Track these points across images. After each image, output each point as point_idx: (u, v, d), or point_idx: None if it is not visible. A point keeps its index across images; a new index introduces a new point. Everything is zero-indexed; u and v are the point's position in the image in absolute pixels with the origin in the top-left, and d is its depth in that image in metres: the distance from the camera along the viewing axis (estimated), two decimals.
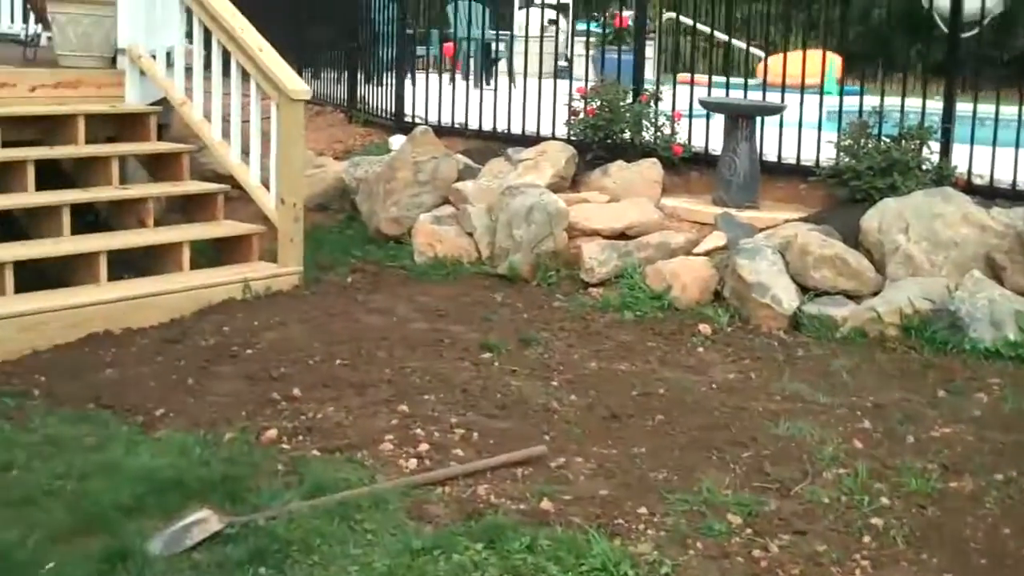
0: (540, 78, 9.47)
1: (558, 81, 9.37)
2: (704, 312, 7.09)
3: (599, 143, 8.59)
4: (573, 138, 8.80)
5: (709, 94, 8.65)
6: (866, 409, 5.78)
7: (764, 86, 8.51)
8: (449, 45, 12.89)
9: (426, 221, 8.02)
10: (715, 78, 9.04)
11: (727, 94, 8.66)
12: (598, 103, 8.59)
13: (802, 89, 8.29)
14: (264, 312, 6.95)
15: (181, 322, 6.85)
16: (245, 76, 7.82)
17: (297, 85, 7.53)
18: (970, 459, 5.23)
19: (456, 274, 7.73)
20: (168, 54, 8.33)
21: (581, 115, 8.74)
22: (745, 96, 8.57)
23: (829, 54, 8.88)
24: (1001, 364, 6.40)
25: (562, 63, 11.76)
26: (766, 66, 8.57)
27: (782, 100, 8.25)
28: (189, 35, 8.26)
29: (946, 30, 8.08)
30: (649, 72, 9.79)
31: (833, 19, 9.56)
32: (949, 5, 7.87)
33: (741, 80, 9.01)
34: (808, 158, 8.22)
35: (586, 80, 9.21)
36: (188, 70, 8.25)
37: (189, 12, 8.04)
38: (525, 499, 4.77)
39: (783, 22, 10.26)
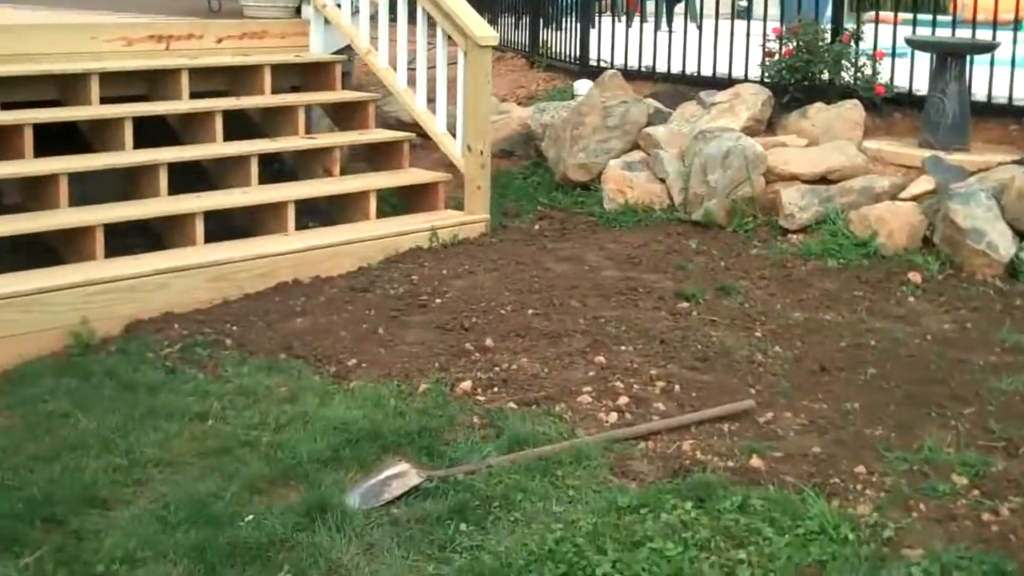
0: (732, 18, 9.13)
1: (742, 22, 9.02)
2: (913, 259, 6.70)
3: (795, 85, 8.20)
4: (767, 80, 8.43)
5: (914, 32, 8.19)
6: None
7: (974, 23, 8.00)
8: None
9: (616, 167, 7.77)
10: (914, 16, 8.56)
11: (933, 32, 8.19)
12: (795, 43, 8.21)
13: (1015, 25, 7.79)
14: (452, 260, 6.80)
15: (369, 271, 6.74)
16: (430, 23, 7.65)
17: (485, 31, 7.33)
18: None
19: (647, 221, 7.46)
20: (352, 2, 8.21)
21: (776, 56, 8.36)
22: (953, 34, 8.08)
23: None
24: None
25: (742, 3, 11.37)
26: (975, 2, 8.05)
27: (994, 37, 7.75)
28: None
29: None
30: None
31: None
32: None
33: (940, 17, 8.50)
34: (1020, 97, 7.73)
35: (782, 20, 8.80)
36: (372, 18, 8.13)
37: None
38: (733, 456, 4.54)
39: None
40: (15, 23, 7.53)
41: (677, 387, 5.14)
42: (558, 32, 10.44)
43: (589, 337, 5.65)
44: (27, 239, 6.22)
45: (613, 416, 4.89)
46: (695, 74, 8.98)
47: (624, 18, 10.33)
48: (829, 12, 9.03)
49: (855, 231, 6.90)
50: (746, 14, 10.21)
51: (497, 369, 5.31)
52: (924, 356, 5.48)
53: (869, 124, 7.96)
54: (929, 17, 8.31)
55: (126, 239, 6.60)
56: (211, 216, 6.70)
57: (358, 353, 5.54)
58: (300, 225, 7.04)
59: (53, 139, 6.72)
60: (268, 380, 5.27)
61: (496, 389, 5.14)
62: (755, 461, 4.48)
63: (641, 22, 10.14)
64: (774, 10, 8.94)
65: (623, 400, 5.01)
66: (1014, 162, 7.18)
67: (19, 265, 6.06)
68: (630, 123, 7.97)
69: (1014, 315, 6.02)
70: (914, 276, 6.50)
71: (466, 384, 5.16)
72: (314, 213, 7.39)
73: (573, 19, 10.19)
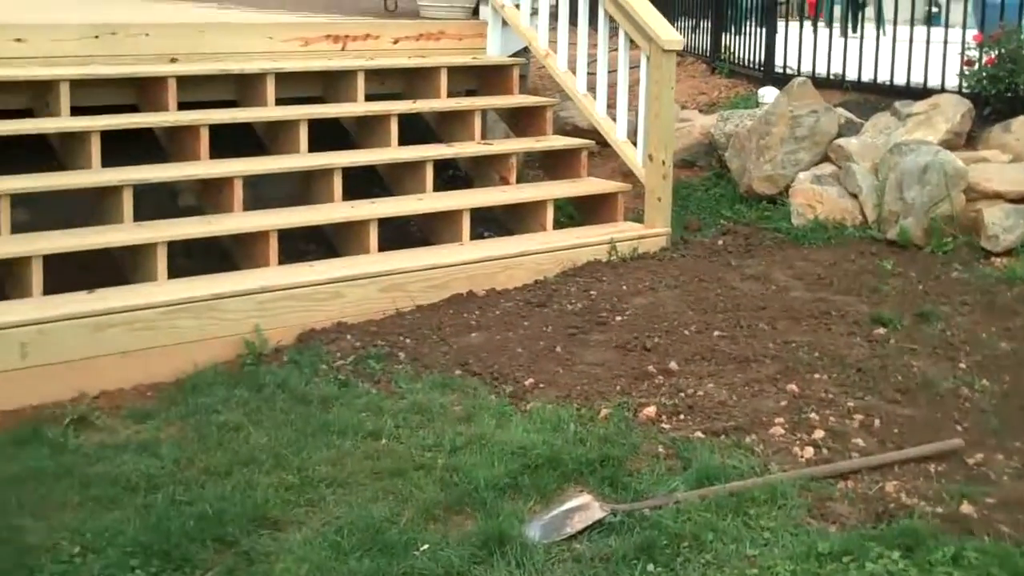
0: (928, 25, 8.70)
1: (934, 29, 8.60)
2: None
3: (997, 96, 7.73)
4: (965, 90, 7.96)
5: None
6: None
7: None
8: None
9: (805, 180, 7.39)
10: None
11: None
12: (997, 52, 7.73)
13: None
14: (631, 275, 6.53)
15: (545, 284, 6.51)
16: (612, 25, 7.38)
17: (670, 35, 7.03)
18: None
19: (838, 238, 7.04)
20: (531, 3, 7.98)
21: (976, 65, 7.90)
22: None
23: None
24: None
25: (934, 8, 10.88)
26: None
27: None
28: None
29: None
30: None
31: None
32: None
33: None
34: None
35: (981, 27, 8.34)
36: (551, 19, 7.90)
37: None
38: (942, 500, 4.20)
39: None
40: (195, 21, 7.49)
41: (877, 421, 4.81)
42: (741, 37, 10.08)
43: (779, 363, 5.33)
44: (201, 243, 6.13)
45: (808, 451, 4.58)
46: (887, 83, 8.55)
47: (808, 22, 9.93)
48: None
49: None
50: (938, 20, 9.74)
51: (682, 395, 5.03)
52: None
53: None
54: None
55: (298, 243, 6.50)
56: (384, 222, 6.55)
57: (535, 372, 5.32)
58: (474, 234, 6.85)
59: (227, 139, 6.64)
60: (443, 398, 5.08)
61: (682, 416, 4.86)
62: (966, 507, 4.14)
63: (828, 27, 9.71)
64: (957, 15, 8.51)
65: (819, 434, 4.70)
66: None
67: (193, 269, 5.98)
68: (820, 134, 7.60)
69: None
70: None
71: (650, 410, 4.90)
72: (488, 222, 7.21)
73: (755, 23, 9.83)
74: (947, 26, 8.67)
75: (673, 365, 5.31)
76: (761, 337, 5.62)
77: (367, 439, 4.71)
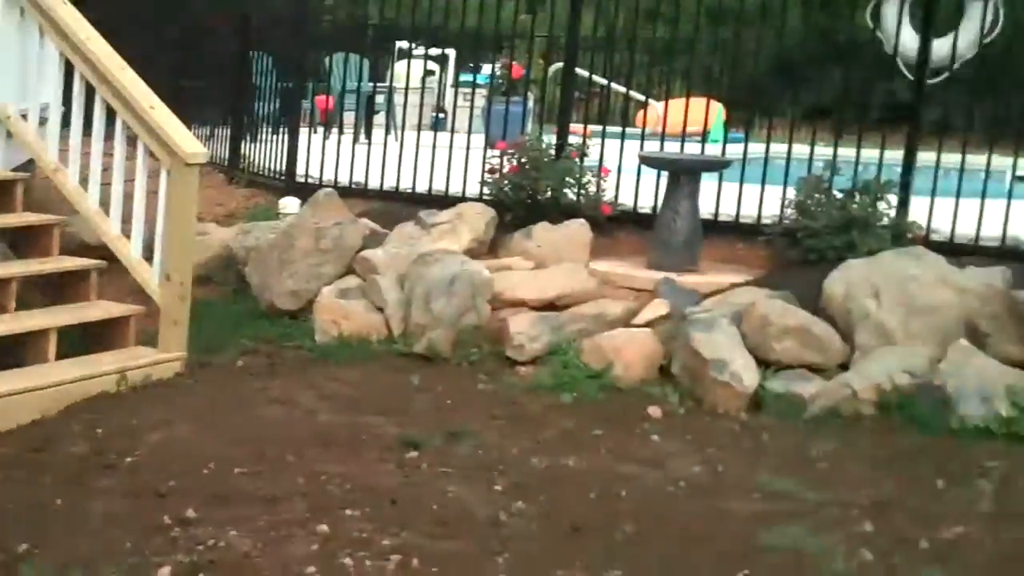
0: (419, 130, 8.84)
1: (438, 134, 8.81)
2: (651, 392, 6.27)
3: (519, 203, 7.72)
4: (486, 197, 7.92)
5: (641, 147, 7.90)
6: (863, 508, 4.96)
7: (663, 136, 7.81)
8: (323, 98, 11.82)
9: (329, 295, 7.05)
10: (603, 129, 8.48)
11: (661, 147, 7.94)
12: (519, 159, 7.73)
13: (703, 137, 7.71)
14: (145, 408, 5.92)
15: (44, 424, 5.77)
16: (130, 137, 6.78)
17: (194, 147, 6.52)
18: (996, 567, 4.50)
19: (365, 355, 6.72)
20: (40, 112, 7.24)
21: (498, 173, 7.88)
22: (682, 150, 7.86)
23: (714, 102, 8.54)
24: (994, 444, 5.67)
25: (440, 115, 10.99)
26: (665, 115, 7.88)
27: (682, 149, 7.66)
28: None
29: (911, 77, 7.52)
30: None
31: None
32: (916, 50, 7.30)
33: (629, 130, 8.35)
34: (747, 215, 7.57)
35: (487, 134, 8.43)
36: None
37: (70, 67, 6.98)
38: None
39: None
40: None
41: (416, 560, 4.43)
42: (260, 145, 9.73)
43: (309, 499, 4.88)
44: None
45: None
46: (410, 191, 8.44)
47: (320, 129, 9.72)
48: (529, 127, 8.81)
49: (588, 361, 6.42)
50: (443, 126, 9.78)
51: (201, 548, 4.47)
52: (681, 507, 4.95)
53: (594, 244, 7.55)
54: (618, 130, 8.16)
55: None
56: None
57: (30, 535, 4.52)
58: None
59: None
60: None
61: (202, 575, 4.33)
62: None
63: (339, 133, 9.56)
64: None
65: None
66: (747, 283, 6.94)
67: None
68: (345, 247, 7.29)
69: (766, 454, 5.61)
70: (654, 411, 6.06)
71: (164, 571, 4.32)
72: None
73: (270, 130, 9.53)
74: (452, 132, 8.56)
75: (190, 512, 4.74)
76: (289, 471, 5.17)
77: None
